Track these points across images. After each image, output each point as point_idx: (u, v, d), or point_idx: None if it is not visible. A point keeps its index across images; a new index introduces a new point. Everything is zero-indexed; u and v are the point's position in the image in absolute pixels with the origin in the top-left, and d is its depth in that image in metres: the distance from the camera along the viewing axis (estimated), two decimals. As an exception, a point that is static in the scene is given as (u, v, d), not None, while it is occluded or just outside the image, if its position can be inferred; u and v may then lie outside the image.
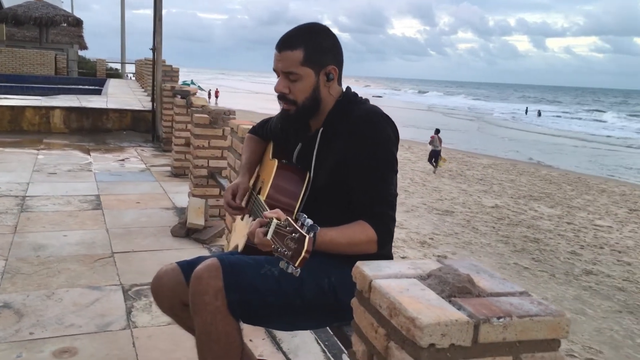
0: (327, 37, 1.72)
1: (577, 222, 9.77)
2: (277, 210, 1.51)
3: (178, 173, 6.28)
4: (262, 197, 1.74)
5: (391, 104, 49.69)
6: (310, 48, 1.67)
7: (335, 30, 1.77)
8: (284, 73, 1.69)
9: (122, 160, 7.16)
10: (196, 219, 4.01)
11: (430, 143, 15.04)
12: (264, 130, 2.10)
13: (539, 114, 50.25)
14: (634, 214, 10.83)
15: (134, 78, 23.80)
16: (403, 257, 6.30)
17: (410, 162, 15.55)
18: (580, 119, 48.50)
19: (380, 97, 62.35)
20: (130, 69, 27.26)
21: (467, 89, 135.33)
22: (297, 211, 1.70)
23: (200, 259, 1.72)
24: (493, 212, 9.98)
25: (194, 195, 4.43)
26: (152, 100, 8.96)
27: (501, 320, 0.94)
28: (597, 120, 46.97)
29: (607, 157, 22.63)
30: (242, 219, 2.03)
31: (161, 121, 8.54)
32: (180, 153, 6.21)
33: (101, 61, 24.34)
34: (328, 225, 1.55)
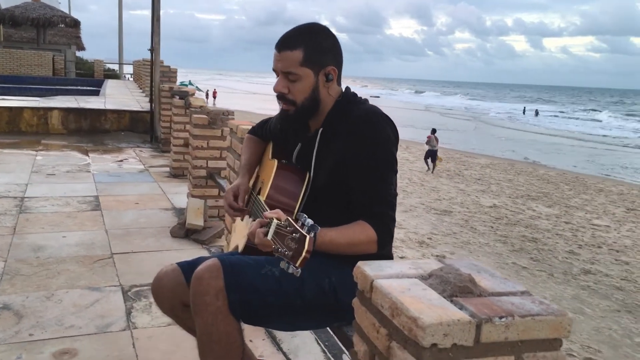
0: (326, 37, 1.72)
1: (575, 221, 9.79)
2: (278, 210, 1.52)
3: (177, 174, 6.28)
4: (262, 198, 1.74)
5: (389, 104, 49.68)
6: (310, 48, 1.67)
7: (332, 31, 1.78)
8: (284, 73, 1.69)
9: (121, 161, 7.15)
10: (195, 220, 4.01)
11: (427, 143, 15.14)
12: (263, 130, 2.10)
13: (537, 114, 50.35)
14: (631, 213, 10.86)
15: (131, 79, 23.77)
16: (401, 257, 6.30)
17: (408, 162, 15.57)
18: (577, 118, 48.62)
19: (377, 97, 62.37)
20: (128, 69, 27.24)
21: (464, 89, 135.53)
22: (297, 211, 1.70)
23: (200, 260, 1.72)
24: (491, 212, 9.99)
25: (193, 196, 4.43)
26: (150, 101, 8.96)
27: (503, 319, 0.94)
28: (593, 120, 47.08)
29: (603, 157, 22.68)
30: (242, 219, 2.03)
31: (159, 122, 8.53)
32: (179, 154, 6.21)
33: (99, 62, 24.31)
34: (328, 225, 1.56)
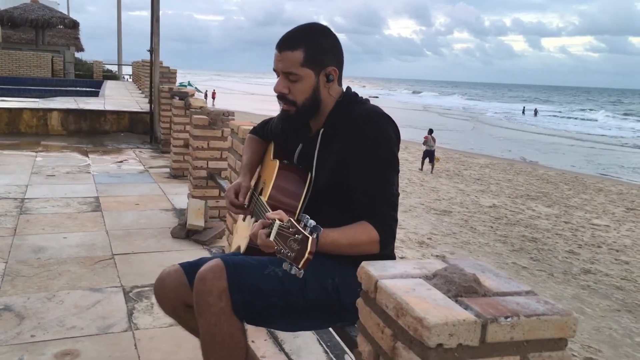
0: (327, 37, 1.72)
1: (575, 221, 9.80)
2: (280, 211, 1.52)
3: (177, 174, 6.27)
4: (264, 198, 1.74)
5: (387, 104, 49.73)
6: (311, 49, 1.67)
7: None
8: (284, 73, 1.69)
9: (121, 162, 7.15)
10: (196, 220, 4.01)
11: (424, 143, 15.25)
12: (264, 130, 2.09)
13: (536, 113, 50.38)
14: (631, 213, 10.87)
15: (130, 80, 23.75)
16: (402, 257, 6.30)
17: (407, 163, 15.58)
18: (575, 118, 48.67)
19: (376, 97, 62.39)
20: (126, 70, 27.21)
21: (461, 88, 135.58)
22: (299, 212, 1.70)
23: (202, 260, 1.72)
24: (491, 212, 10.00)
25: (193, 197, 4.43)
26: (150, 102, 8.95)
27: (509, 319, 0.94)
28: (590, 120, 47.14)
29: (602, 156, 22.71)
30: (243, 219, 2.03)
31: (159, 123, 8.53)
32: (179, 154, 6.21)
33: (98, 63, 24.29)
34: (329, 225, 1.55)
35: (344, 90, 1.79)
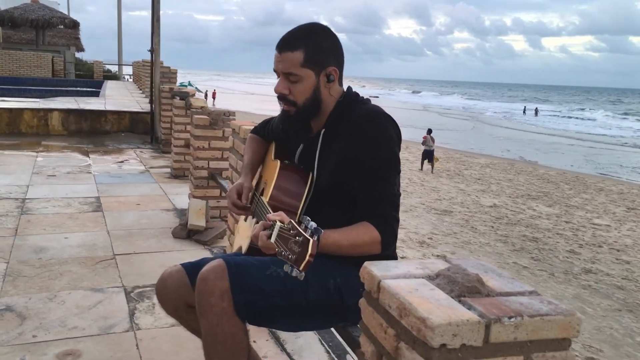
0: (327, 37, 1.71)
1: (576, 221, 9.80)
2: (281, 212, 1.51)
3: (177, 174, 6.27)
4: (265, 198, 1.73)
5: (387, 104, 49.70)
6: (311, 49, 1.66)
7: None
8: (284, 74, 1.68)
9: (121, 162, 7.15)
10: (197, 220, 4.01)
11: (423, 143, 15.28)
12: (265, 130, 2.09)
13: (537, 113, 50.37)
14: (631, 213, 10.87)
15: (131, 80, 23.76)
16: (402, 257, 6.30)
17: (408, 162, 15.58)
18: (576, 117, 48.66)
19: (377, 97, 62.38)
20: (127, 70, 27.22)
21: (461, 88, 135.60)
22: (301, 212, 1.70)
23: (204, 261, 1.72)
24: (491, 212, 10.00)
25: (194, 197, 4.43)
26: (151, 102, 8.95)
27: (512, 319, 0.94)
28: (590, 119, 47.13)
29: (602, 156, 22.70)
30: (245, 220, 2.03)
31: (160, 123, 8.53)
32: (180, 154, 6.21)
33: (98, 63, 24.30)
34: (331, 226, 1.55)
35: (345, 90, 1.78)
